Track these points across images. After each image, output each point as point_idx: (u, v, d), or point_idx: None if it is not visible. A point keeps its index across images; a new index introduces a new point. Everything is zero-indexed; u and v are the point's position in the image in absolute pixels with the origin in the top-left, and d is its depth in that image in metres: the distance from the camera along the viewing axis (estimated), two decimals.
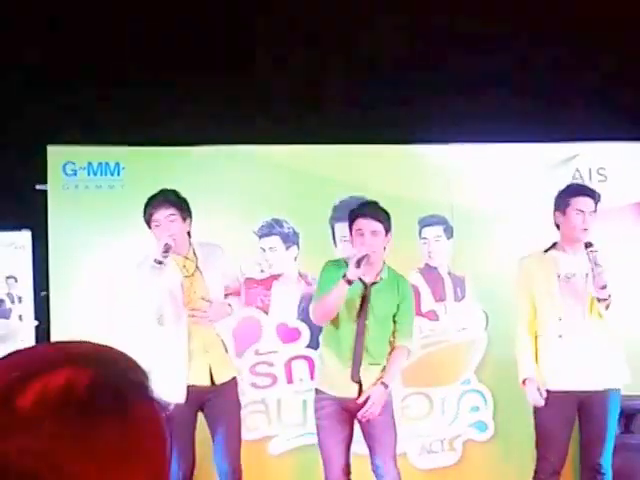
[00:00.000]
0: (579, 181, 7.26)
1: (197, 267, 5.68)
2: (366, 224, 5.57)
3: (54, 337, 6.84)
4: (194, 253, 5.73)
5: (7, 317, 7.09)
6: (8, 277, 7.10)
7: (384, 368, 5.66)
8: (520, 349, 5.83)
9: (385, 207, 7.05)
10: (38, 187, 6.99)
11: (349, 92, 7.41)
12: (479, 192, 7.22)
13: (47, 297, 6.90)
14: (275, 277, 7.06)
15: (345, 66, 7.41)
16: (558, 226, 5.85)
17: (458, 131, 7.09)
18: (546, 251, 5.85)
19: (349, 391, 5.58)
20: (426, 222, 7.18)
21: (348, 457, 5.64)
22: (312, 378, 6.93)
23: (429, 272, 7.16)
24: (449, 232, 7.20)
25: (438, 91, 7.39)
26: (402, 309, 5.69)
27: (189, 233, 5.76)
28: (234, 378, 5.78)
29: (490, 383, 7.06)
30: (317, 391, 5.74)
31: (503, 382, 6.71)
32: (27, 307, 7.09)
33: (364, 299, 5.59)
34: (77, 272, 6.90)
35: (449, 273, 7.19)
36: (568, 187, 5.91)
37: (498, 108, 7.40)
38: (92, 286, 6.87)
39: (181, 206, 5.63)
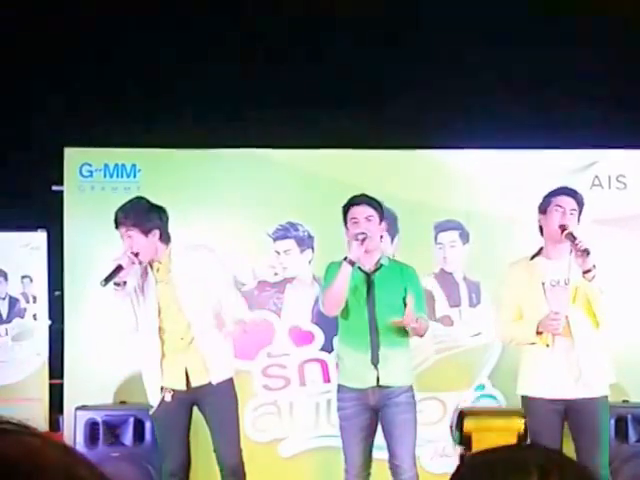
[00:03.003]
0: (598, 188, 7.24)
1: (170, 271, 5.63)
2: (360, 211, 5.65)
3: (67, 336, 6.90)
4: (170, 258, 5.66)
5: (22, 316, 7.14)
6: (23, 277, 7.15)
7: (402, 352, 5.67)
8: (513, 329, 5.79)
9: (401, 212, 7.11)
10: (54, 188, 7.04)
11: (366, 96, 7.42)
12: (496, 198, 7.20)
13: (61, 297, 6.94)
14: (289, 280, 7.07)
15: (362, 69, 7.42)
16: (542, 230, 5.79)
17: (475, 136, 7.08)
18: (532, 258, 5.80)
19: (367, 380, 5.58)
20: (442, 227, 7.17)
21: (369, 456, 5.67)
22: (325, 381, 6.94)
23: (444, 277, 7.15)
24: (465, 237, 7.19)
25: (456, 96, 7.38)
26: (410, 289, 5.66)
27: (163, 238, 5.66)
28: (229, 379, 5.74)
29: (504, 388, 7.01)
30: (339, 388, 5.74)
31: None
32: (41, 306, 7.14)
33: (369, 287, 5.64)
34: (91, 273, 6.92)
35: (464, 278, 7.17)
36: (552, 190, 5.87)
37: (516, 114, 7.39)
38: (105, 287, 6.89)
39: (142, 220, 5.56)
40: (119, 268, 5.44)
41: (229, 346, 5.80)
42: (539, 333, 5.58)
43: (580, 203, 5.72)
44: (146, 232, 5.56)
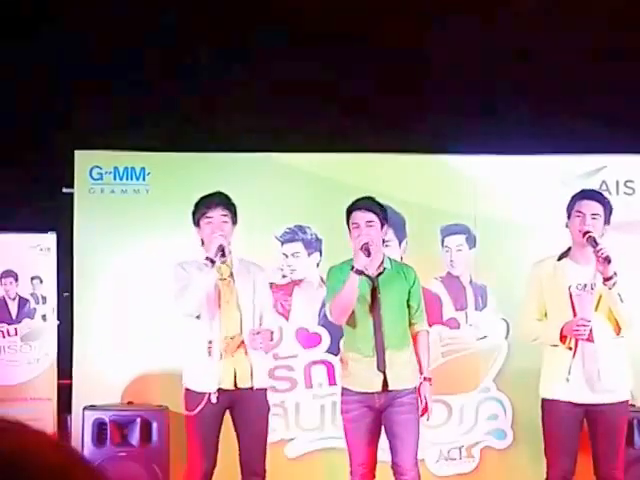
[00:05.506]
0: (606, 194, 7.23)
1: (231, 273, 5.71)
2: (361, 216, 5.68)
3: (76, 337, 6.95)
4: (231, 261, 5.76)
5: (31, 317, 7.19)
6: (33, 278, 7.20)
7: (407, 354, 5.71)
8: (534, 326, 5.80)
9: (408, 215, 7.14)
10: (65, 190, 7.10)
11: (375, 101, 7.46)
12: (503, 203, 7.22)
13: (71, 298, 7.00)
14: (296, 282, 7.11)
15: (373, 74, 7.46)
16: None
17: (483, 142, 7.11)
18: (559, 259, 5.78)
19: (373, 384, 5.61)
20: (448, 231, 7.19)
21: (374, 457, 5.70)
22: (331, 383, 6.98)
23: (450, 281, 7.18)
24: (472, 241, 7.21)
25: (462, 101, 7.41)
26: (412, 293, 5.77)
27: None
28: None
29: (509, 391, 7.05)
30: (343, 391, 5.77)
31: (522, 390, 6.69)
32: (51, 307, 7.19)
33: (374, 292, 5.67)
34: (100, 274, 6.99)
35: (471, 282, 7.19)
36: (576, 193, 5.86)
37: (524, 119, 7.42)
38: (115, 288, 6.97)
39: (232, 210, 5.70)
40: (222, 247, 5.50)
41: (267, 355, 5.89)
42: (563, 337, 5.60)
43: (606, 205, 5.67)
44: (234, 223, 5.70)
